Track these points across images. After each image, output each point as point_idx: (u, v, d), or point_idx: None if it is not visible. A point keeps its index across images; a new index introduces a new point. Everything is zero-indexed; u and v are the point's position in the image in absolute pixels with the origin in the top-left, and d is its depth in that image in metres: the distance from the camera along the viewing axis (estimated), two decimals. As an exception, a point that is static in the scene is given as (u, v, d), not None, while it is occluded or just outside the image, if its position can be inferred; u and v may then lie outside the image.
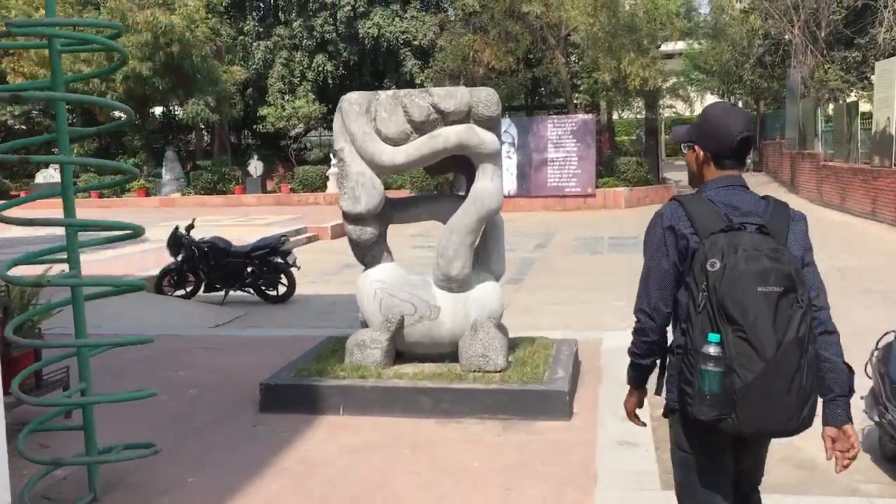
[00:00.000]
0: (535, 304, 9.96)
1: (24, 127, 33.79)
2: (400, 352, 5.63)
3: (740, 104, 48.11)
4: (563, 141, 23.08)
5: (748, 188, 2.55)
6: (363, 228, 5.42)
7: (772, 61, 28.78)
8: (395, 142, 5.29)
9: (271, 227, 19.04)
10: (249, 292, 10.74)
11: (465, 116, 5.23)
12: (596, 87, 24.61)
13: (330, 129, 27.55)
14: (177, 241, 10.64)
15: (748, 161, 36.66)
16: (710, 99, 48.19)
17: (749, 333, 2.18)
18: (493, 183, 5.26)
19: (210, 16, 27.67)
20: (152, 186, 28.22)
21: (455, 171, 5.81)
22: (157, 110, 33.64)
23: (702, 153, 2.56)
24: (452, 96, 5.18)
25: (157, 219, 22.00)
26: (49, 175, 29.23)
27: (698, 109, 47.07)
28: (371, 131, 5.32)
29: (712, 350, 2.23)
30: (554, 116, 25.02)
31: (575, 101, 25.92)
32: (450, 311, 5.40)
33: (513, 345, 5.93)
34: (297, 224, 18.75)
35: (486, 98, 5.17)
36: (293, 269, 10.69)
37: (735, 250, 2.26)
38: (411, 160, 5.25)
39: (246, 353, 6.91)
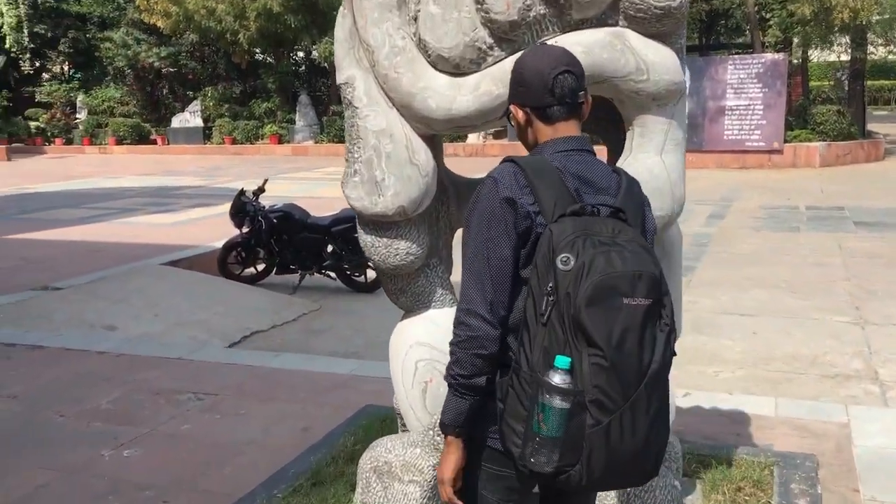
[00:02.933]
0: (712, 315, 6.93)
1: (171, 69, 33.18)
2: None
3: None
4: (746, 86, 19.22)
5: (595, 153, 1.93)
6: (391, 243, 2.71)
7: None
8: (456, 65, 2.51)
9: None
10: (332, 276, 8.33)
11: (610, 9, 2.37)
12: (790, 20, 20.34)
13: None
14: (241, 209, 8.33)
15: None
16: (921, 39, 41.32)
17: (611, 361, 1.65)
18: (665, 161, 2.39)
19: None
20: (285, 133, 26.62)
21: (586, 129, 2.94)
22: (300, 53, 32.16)
23: (521, 113, 1.95)
24: (580, -37, 2.32)
25: (284, 169, 20.26)
26: (185, 119, 28.29)
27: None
28: (409, 44, 2.56)
29: (558, 379, 1.67)
30: (736, 56, 21.02)
31: (763, 39, 21.72)
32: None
33: (687, 469, 3.08)
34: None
35: (656, -33, 2.27)
36: (385, 250, 8.16)
37: (592, 243, 1.70)
38: (487, 107, 2.45)
39: (251, 411, 4.42)
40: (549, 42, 2.38)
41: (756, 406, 4.24)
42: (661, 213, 2.37)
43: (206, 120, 28.46)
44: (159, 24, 26.35)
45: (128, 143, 28.81)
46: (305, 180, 17.54)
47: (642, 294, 1.70)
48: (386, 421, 3.53)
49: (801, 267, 8.81)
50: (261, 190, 8.53)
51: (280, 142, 26.40)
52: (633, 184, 1.95)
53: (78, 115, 31.75)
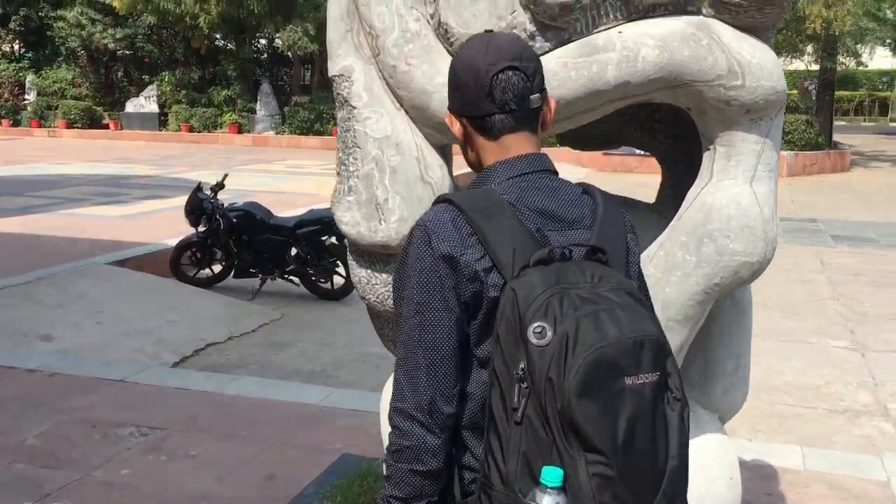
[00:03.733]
0: (705, 337, 6.49)
1: (127, 52, 32.03)
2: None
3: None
4: (717, 92, 19.00)
5: (557, 173, 1.48)
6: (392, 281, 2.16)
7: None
8: (486, 59, 1.96)
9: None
10: (295, 282, 7.72)
11: (690, -6, 1.84)
12: (763, 27, 20.19)
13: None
14: (198, 206, 7.66)
15: None
16: (882, 53, 41.81)
17: (619, 468, 1.21)
18: (757, 191, 1.87)
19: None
20: (245, 122, 25.77)
21: (637, 143, 2.40)
22: (263, 41, 31.26)
23: (457, 124, 1.52)
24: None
25: (244, 160, 19.48)
26: (139, 104, 27.27)
27: (871, 64, 41.03)
28: (425, 28, 2.00)
29: (548, 501, 1.21)
30: (708, 62, 20.78)
31: (733, 45, 21.55)
32: None
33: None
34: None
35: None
36: (354, 255, 7.56)
37: (571, 303, 1.25)
38: (527, 112, 1.91)
39: (204, 451, 3.81)
40: (609, 31, 1.85)
41: (781, 457, 3.79)
42: (751, 258, 1.85)
43: (161, 106, 27.47)
44: (115, 3, 25.31)
45: (78, 127, 27.68)
46: (265, 173, 16.81)
47: (648, 367, 1.28)
48: (368, 479, 2.98)
49: (785, 283, 8.46)
50: (220, 186, 7.87)
51: (240, 131, 25.56)
52: (610, 205, 1.50)
53: (27, 96, 30.47)
